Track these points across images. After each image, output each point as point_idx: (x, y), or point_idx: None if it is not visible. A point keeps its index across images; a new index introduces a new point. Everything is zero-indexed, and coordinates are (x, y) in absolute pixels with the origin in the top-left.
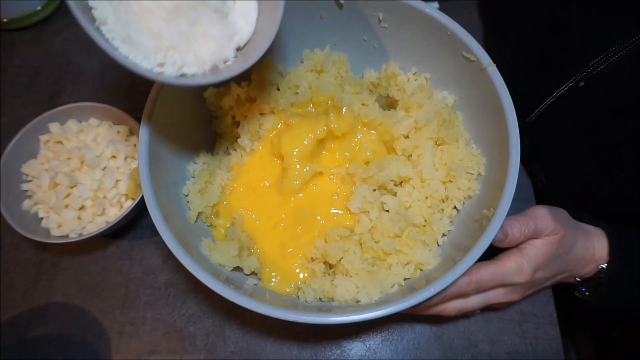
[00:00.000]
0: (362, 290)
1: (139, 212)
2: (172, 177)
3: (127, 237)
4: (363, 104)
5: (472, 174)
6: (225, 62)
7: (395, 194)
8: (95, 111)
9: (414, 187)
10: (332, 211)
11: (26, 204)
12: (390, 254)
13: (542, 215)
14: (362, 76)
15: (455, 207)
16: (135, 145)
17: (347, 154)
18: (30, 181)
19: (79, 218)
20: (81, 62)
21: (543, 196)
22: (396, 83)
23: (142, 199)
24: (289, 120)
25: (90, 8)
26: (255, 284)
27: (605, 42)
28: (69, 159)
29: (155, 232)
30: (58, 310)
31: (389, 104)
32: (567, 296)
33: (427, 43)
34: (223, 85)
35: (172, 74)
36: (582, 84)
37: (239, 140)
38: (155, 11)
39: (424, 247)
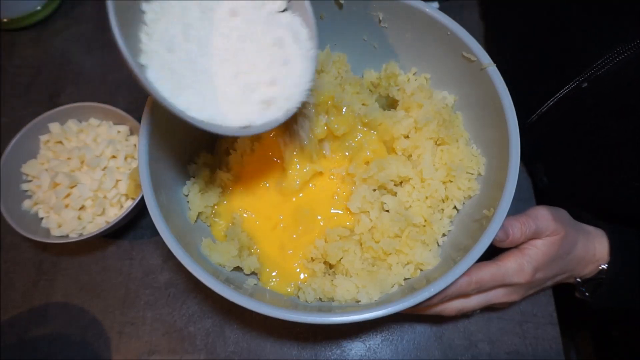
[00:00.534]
0: (362, 290)
1: (139, 212)
2: (172, 177)
3: (127, 237)
4: (363, 104)
5: (472, 174)
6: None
7: (395, 194)
8: (95, 111)
9: (414, 187)
10: (332, 211)
11: (26, 204)
12: (390, 254)
13: (543, 216)
14: (362, 76)
15: (455, 207)
16: (135, 145)
17: (347, 154)
18: (30, 181)
19: (79, 218)
20: (81, 62)
21: (543, 196)
22: (396, 83)
23: (142, 199)
24: None
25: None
26: (255, 284)
27: (605, 43)
28: (69, 159)
29: (155, 232)
30: (58, 310)
31: (389, 104)
32: (567, 296)
33: (427, 43)
34: None
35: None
36: (585, 85)
37: (239, 140)
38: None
39: (424, 247)
